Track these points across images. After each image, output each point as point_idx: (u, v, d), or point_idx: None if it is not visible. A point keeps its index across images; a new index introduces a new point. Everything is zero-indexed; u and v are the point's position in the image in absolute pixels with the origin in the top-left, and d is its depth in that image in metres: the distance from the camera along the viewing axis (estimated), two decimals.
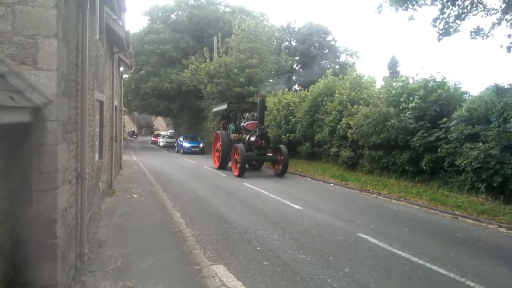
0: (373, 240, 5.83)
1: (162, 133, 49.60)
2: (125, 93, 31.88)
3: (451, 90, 11.20)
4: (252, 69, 25.36)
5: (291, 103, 18.62)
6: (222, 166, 15.76)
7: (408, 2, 9.71)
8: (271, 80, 29.74)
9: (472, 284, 4.19)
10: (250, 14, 32.69)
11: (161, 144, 36.83)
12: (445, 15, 10.22)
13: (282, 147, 14.36)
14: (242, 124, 15.66)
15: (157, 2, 47.59)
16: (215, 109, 19.08)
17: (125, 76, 21.15)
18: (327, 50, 39.41)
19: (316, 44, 38.90)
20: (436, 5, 10.28)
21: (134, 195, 8.92)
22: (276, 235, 5.99)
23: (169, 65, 32.47)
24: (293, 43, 40.00)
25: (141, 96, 35.40)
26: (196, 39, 34.27)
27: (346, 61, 39.50)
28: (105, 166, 8.11)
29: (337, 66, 35.69)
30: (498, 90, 9.16)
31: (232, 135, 15.80)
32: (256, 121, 14.70)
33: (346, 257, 5.00)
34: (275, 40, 32.94)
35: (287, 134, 18.23)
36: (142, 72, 33.85)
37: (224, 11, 36.64)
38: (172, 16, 36.54)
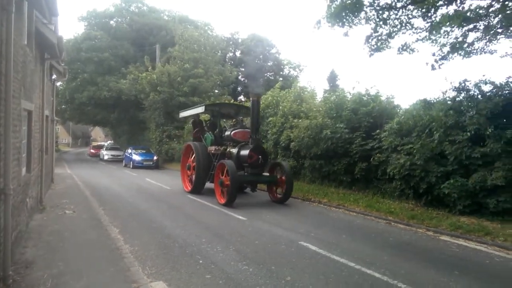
0: (313, 248, 6.00)
1: (105, 144, 41.54)
2: (59, 102, 29.93)
3: (383, 103, 12.04)
4: (197, 79, 25.20)
5: None
6: (197, 189, 11.70)
7: (344, 20, 10.31)
8: (216, 91, 29.74)
9: (403, 286, 4.45)
10: (194, 24, 32.57)
11: (106, 157, 30.64)
12: (378, 33, 11.02)
13: (283, 163, 10.87)
14: (227, 133, 11.85)
15: (95, 7, 45.54)
16: (184, 114, 14.71)
17: (59, 84, 19.78)
18: (271, 62, 40.41)
19: (261, 56, 39.73)
20: (370, 24, 11.06)
21: (67, 211, 8.32)
22: (219, 247, 5.93)
23: (107, 73, 31.04)
24: (238, 54, 40.49)
25: (77, 105, 33.38)
26: (137, 47, 33.29)
27: (290, 74, 40.79)
28: (34, 181, 7.49)
29: (281, 79, 36.73)
30: (425, 104, 10.00)
31: (212, 148, 11.87)
32: (247, 129, 11.35)
33: (288, 266, 5.08)
34: (219, 51, 33.10)
35: None
36: (78, 80, 31.98)
37: (167, 20, 36.08)
38: (112, 22, 35.14)
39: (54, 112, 12.32)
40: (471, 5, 9.75)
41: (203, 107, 12.43)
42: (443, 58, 9.85)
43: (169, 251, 5.67)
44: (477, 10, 9.52)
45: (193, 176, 12.10)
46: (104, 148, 33.39)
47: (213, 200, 10.43)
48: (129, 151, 25.24)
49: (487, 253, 6.08)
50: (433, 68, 9.97)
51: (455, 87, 8.54)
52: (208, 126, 13.38)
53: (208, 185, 11.91)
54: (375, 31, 10.50)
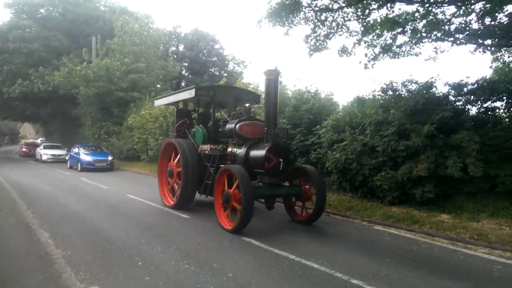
0: (256, 243, 6.08)
1: (40, 141, 35.47)
2: None
3: (323, 101, 12.52)
4: (137, 73, 24.24)
5: None
6: (183, 204, 8.73)
7: (284, 20, 10.53)
8: (158, 86, 28.90)
9: (339, 275, 4.67)
10: (134, 16, 31.22)
11: (44, 157, 25.79)
12: (316, 34, 11.42)
13: (310, 168, 7.82)
14: (228, 126, 8.25)
15: None
16: (162, 102, 11.03)
17: None
18: (215, 58, 40.14)
19: (205, 51, 39.29)
20: (309, 25, 11.41)
21: None
22: (160, 247, 5.78)
23: (39, 65, 28.66)
24: (181, 48, 39.65)
25: (5, 99, 30.42)
26: (71, 39, 31.15)
27: (234, 70, 40.83)
28: None
29: (225, 74, 36.64)
30: (359, 102, 10.57)
31: (205, 147, 8.66)
32: (259, 122, 8.16)
33: (231, 262, 5.11)
34: (161, 45, 32.15)
35: None
36: (5, 73, 29.10)
37: (104, 10, 34.15)
38: (42, 11, 32.47)
39: None
40: (400, 9, 10.48)
41: (193, 91, 8.81)
42: (374, 58, 10.49)
43: (105, 254, 5.41)
44: (405, 15, 10.25)
45: (177, 186, 9.01)
46: (42, 147, 27.93)
47: (155, 199, 10.12)
48: (76, 150, 21.14)
49: (415, 240, 6.61)
50: (365, 67, 10.59)
51: (381, 88, 9.17)
52: (198, 117, 10.13)
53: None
54: (314, 31, 10.86)
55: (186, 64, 38.46)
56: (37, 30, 30.12)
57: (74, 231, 6.78)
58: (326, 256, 5.48)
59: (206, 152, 8.61)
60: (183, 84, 36.34)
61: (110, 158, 20.37)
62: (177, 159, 9.01)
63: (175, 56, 37.89)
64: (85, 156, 19.81)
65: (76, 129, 30.67)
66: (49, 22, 31.13)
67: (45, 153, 26.14)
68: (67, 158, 22.87)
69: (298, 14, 10.42)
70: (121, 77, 23.73)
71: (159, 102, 11.24)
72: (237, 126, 7.92)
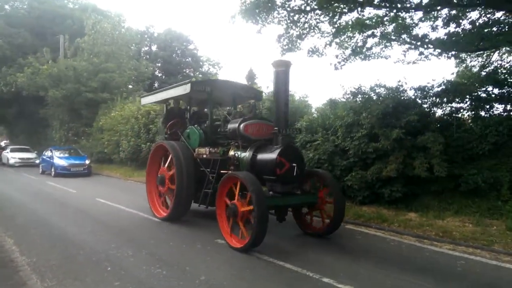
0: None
1: (7, 144, 31.97)
2: None
3: (297, 102, 12.67)
4: (108, 73, 23.62)
5: (152, 111, 18.03)
6: (177, 215, 7.67)
7: (258, 18, 10.59)
8: (130, 86, 28.32)
9: (311, 274, 4.74)
10: (104, 14, 30.42)
11: (12, 161, 23.64)
12: (289, 34, 11.54)
13: (325, 173, 7.09)
14: (230, 126, 7.18)
15: None
16: (151, 99, 9.77)
17: None
18: (189, 59, 39.79)
19: (178, 52, 38.88)
20: (282, 25, 11.52)
21: None
22: (130, 251, 5.66)
23: (2, 65, 27.35)
24: (154, 48, 39.04)
25: None
26: (38, 37, 29.94)
27: (209, 71, 40.61)
28: None
29: (200, 75, 36.37)
30: (332, 104, 10.77)
31: (203, 151, 7.59)
32: (265, 121, 7.16)
33: (203, 265, 5.07)
34: (133, 45, 31.54)
35: (148, 144, 17.53)
36: None
37: (73, 8, 33.08)
38: (6, 7, 31.08)
39: None
40: (370, 13, 10.78)
41: (189, 86, 7.62)
42: (345, 60, 10.74)
43: (73, 260, 5.24)
44: (375, 18, 10.54)
45: (169, 195, 8.04)
46: (9, 150, 25.44)
47: (125, 203, 9.89)
48: (49, 153, 19.29)
49: (384, 238, 6.81)
50: (336, 68, 10.82)
51: (351, 91, 9.39)
52: (191, 117, 8.98)
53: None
54: (287, 31, 10.99)
55: (159, 65, 37.90)
56: (0, 27, 28.75)
57: (40, 236, 6.54)
58: (299, 256, 5.55)
59: (204, 156, 7.50)
60: (156, 85, 35.77)
61: (87, 162, 18.86)
62: (168, 164, 7.95)
63: (147, 57, 37.25)
64: (59, 160, 18.16)
65: (44, 131, 29.51)
66: (13, 19, 29.76)
67: (12, 157, 24.10)
68: (37, 161, 21.58)
69: (272, 13, 10.52)
70: (89, 77, 23.04)
71: (147, 100, 10.06)
72: (242, 126, 6.82)
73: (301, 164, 6.31)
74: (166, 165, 8.01)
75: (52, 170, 18.16)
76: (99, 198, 10.87)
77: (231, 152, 7.12)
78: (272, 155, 6.15)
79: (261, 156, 6.46)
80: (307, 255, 5.59)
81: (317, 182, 7.12)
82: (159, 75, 38.34)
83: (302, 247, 6.10)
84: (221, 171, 7.01)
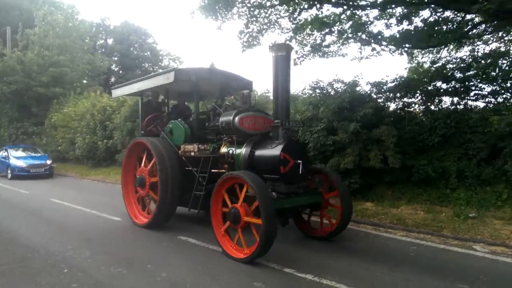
0: (192, 241, 6.04)
1: None
2: None
3: (257, 98, 12.76)
4: (60, 68, 22.43)
5: (108, 108, 17.40)
6: (160, 220, 6.85)
7: (218, 14, 10.52)
8: (84, 81, 27.11)
9: (274, 265, 4.86)
10: (56, 5, 28.81)
11: None
12: (249, 30, 11.57)
13: (329, 171, 6.64)
14: (223, 119, 6.30)
15: None
16: (126, 91, 8.55)
17: None
18: (148, 53, 38.65)
19: (136, 45, 37.63)
20: (242, 20, 11.53)
21: None
22: (88, 253, 5.47)
23: None
24: (110, 42, 37.52)
25: None
26: None
27: (169, 66, 39.70)
28: None
29: (160, 70, 35.47)
30: (292, 99, 10.91)
31: (191, 148, 6.75)
32: (261, 114, 6.49)
33: (165, 262, 5.01)
34: (88, 37, 30.17)
35: (104, 141, 16.92)
36: None
37: None
38: None
39: None
40: (328, 9, 11.04)
41: (172, 75, 6.67)
42: (304, 56, 10.96)
43: (26, 263, 4.99)
44: (333, 16, 10.82)
45: (149, 198, 7.28)
46: None
47: (82, 202, 9.52)
48: (4, 153, 17.25)
49: None
50: (295, 64, 11.02)
51: (310, 86, 9.62)
52: (171, 111, 8.14)
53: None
54: (247, 27, 11.01)
55: (116, 59, 36.50)
56: None
57: None
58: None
59: (192, 154, 6.70)
60: (112, 80, 34.50)
61: (49, 162, 16.97)
62: (150, 165, 7.05)
63: (103, 50, 35.74)
64: (16, 161, 16.28)
65: None
66: None
67: None
68: None
69: (232, 8, 10.49)
70: (40, 71, 21.78)
71: (119, 92, 8.86)
72: (237, 118, 6.01)
73: (306, 161, 5.72)
74: (150, 165, 7.02)
75: (9, 172, 16.31)
76: (54, 198, 10.37)
77: (224, 149, 6.29)
78: (274, 152, 5.47)
79: (261, 153, 5.74)
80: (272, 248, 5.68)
81: (322, 181, 6.47)
82: (116, 69, 36.97)
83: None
84: (212, 171, 6.32)
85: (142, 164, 7.29)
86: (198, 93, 7.41)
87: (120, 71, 36.52)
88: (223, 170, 6.06)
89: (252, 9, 10.84)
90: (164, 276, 4.49)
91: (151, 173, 7.01)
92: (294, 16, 11.18)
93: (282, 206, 5.43)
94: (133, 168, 7.75)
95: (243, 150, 5.95)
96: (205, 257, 5.26)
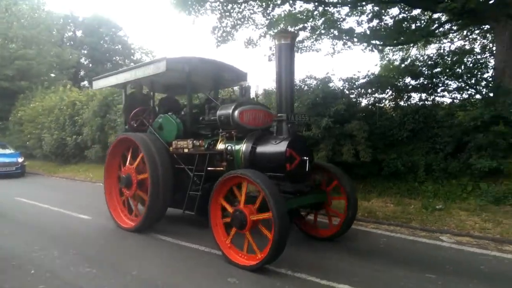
0: (164, 238, 5.96)
1: None
2: None
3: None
4: (26, 61, 21.50)
5: (77, 102, 16.82)
6: (149, 223, 6.30)
7: (191, 9, 10.38)
8: (52, 75, 26.13)
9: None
10: None
11: None
12: (223, 25, 11.50)
13: (333, 167, 6.01)
14: (222, 113, 5.79)
15: None
16: (109, 82, 7.66)
17: None
18: (119, 46, 37.62)
19: (107, 38, 36.54)
20: (216, 15, 11.43)
21: None
22: (56, 253, 5.29)
23: None
24: (79, 34, 36.23)
25: None
26: None
27: (142, 60, 38.81)
28: None
29: (132, 64, 34.65)
30: (266, 94, 10.98)
31: (183, 144, 6.26)
32: (260, 107, 6.12)
33: (136, 260, 4.92)
34: (55, 29, 29.05)
35: (73, 137, 16.37)
36: None
37: None
38: None
39: None
40: (301, 6, 11.12)
41: (164, 64, 6.00)
42: None
43: None
44: (306, 12, 10.91)
45: (136, 199, 6.69)
46: None
47: (49, 201, 9.18)
48: None
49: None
50: (269, 59, 11.09)
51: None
52: (161, 104, 7.63)
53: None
54: (221, 21, 10.93)
55: (86, 52, 35.33)
56: None
57: None
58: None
59: (186, 150, 6.19)
60: (82, 73, 33.40)
61: (20, 160, 15.64)
62: (136, 163, 6.44)
63: (72, 43, 34.52)
64: None
65: None
66: None
67: None
68: None
69: (205, 3, 10.38)
70: (4, 64, 20.78)
71: (103, 83, 7.93)
72: (236, 112, 5.57)
73: (311, 157, 5.34)
74: (136, 161, 6.44)
75: None
76: (19, 197, 9.95)
77: (220, 145, 5.80)
78: (279, 148, 5.07)
79: (264, 149, 5.30)
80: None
81: (322, 177, 6.03)
82: (85, 63, 35.79)
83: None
84: (208, 169, 5.82)
85: (127, 163, 6.67)
86: (190, 85, 6.70)
87: (90, 65, 35.39)
88: (221, 168, 5.56)
89: (225, 4, 10.77)
90: (134, 274, 4.41)
91: (138, 169, 6.44)
92: (268, 11, 11.20)
93: (291, 206, 5.05)
94: (117, 169, 7.13)
95: (243, 147, 5.46)
96: (177, 254, 5.20)
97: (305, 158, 5.08)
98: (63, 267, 4.70)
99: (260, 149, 5.33)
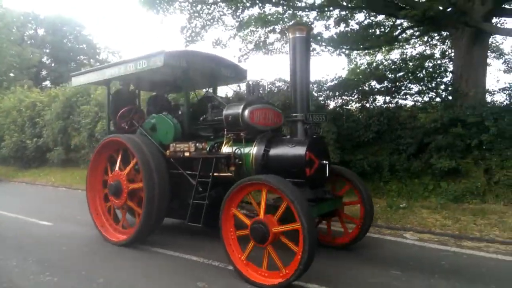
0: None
1: None
2: None
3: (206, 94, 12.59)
4: None
5: (38, 103, 16.08)
6: (143, 235, 5.59)
7: (159, 8, 10.22)
8: (11, 75, 24.89)
9: (201, 260, 4.88)
10: None
11: None
12: (192, 25, 11.40)
13: (350, 172, 5.70)
14: (229, 113, 5.15)
15: None
16: (91, 78, 6.70)
17: None
18: (84, 45, 36.37)
19: (70, 37, 35.23)
20: (185, 14, 11.31)
21: None
22: (15, 261, 5.01)
23: None
24: (41, 32, 34.71)
25: None
26: None
27: (108, 59, 37.70)
28: None
29: (98, 64, 33.58)
30: (237, 96, 10.96)
31: (182, 147, 5.59)
32: (271, 107, 5.58)
33: (102, 267, 4.76)
34: (15, 27, 27.69)
35: (34, 139, 15.63)
36: None
37: None
38: None
39: None
40: (270, 9, 11.22)
41: (162, 58, 5.31)
42: (248, 53, 11.08)
43: None
44: (276, 15, 11.01)
45: (125, 209, 6.07)
46: None
47: (7, 207, 8.69)
48: None
49: None
50: (239, 61, 11.15)
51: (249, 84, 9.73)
52: (153, 103, 6.93)
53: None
54: (190, 21, 10.84)
55: (48, 51, 33.88)
56: None
57: None
58: (193, 246, 5.53)
59: (187, 154, 5.54)
60: (43, 73, 32.00)
61: None
62: (126, 170, 5.77)
63: (33, 41, 33.02)
64: None
65: None
66: None
67: None
68: None
69: (173, 3, 10.26)
70: None
71: (85, 79, 6.93)
72: (246, 112, 5.00)
73: (330, 161, 4.90)
74: (128, 168, 5.78)
75: None
76: None
77: (226, 148, 5.23)
78: (297, 151, 4.59)
79: (279, 152, 4.79)
80: (200, 245, 5.63)
81: (340, 183, 5.65)
82: (48, 62, 34.33)
83: (193, 236, 6.11)
84: (214, 175, 5.23)
85: (117, 168, 5.93)
86: (188, 82, 6.16)
87: (53, 64, 33.99)
88: (229, 174, 5.06)
89: (194, 4, 10.69)
90: (101, 282, 4.25)
91: (130, 178, 5.79)
92: (237, 13, 11.22)
93: (314, 215, 4.61)
94: (102, 172, 6.45)
95: (254, 150, 4.94)
96: (146, 259, 5.08)
97: (324, 162, 4.71)
98: (22, 276, 4.47)
99: (274, 152, 4.82)
